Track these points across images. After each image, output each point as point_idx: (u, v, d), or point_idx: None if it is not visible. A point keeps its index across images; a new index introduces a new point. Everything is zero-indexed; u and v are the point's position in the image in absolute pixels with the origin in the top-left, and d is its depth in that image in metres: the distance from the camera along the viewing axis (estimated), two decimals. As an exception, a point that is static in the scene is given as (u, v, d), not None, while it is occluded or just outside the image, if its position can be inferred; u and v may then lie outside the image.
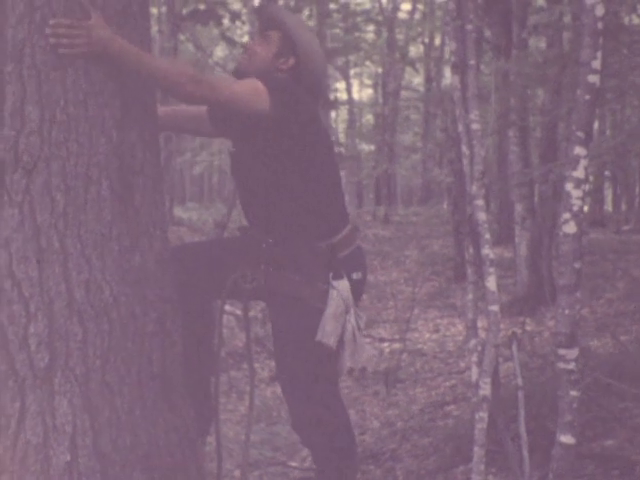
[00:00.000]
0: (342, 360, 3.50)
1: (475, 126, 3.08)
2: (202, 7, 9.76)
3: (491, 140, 17.73)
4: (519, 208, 11.88)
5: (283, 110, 3.37)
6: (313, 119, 3.52)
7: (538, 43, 17.05)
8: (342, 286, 3.43)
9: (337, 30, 22.27)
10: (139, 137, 3.24)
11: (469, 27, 3.09)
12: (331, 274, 3.43)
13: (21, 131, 3.03)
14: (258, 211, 3.57)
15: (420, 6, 27.88)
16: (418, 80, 33.39)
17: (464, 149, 3.14)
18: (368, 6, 27.04)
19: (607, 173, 21.14)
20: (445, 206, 26.90)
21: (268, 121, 3.36)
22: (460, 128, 3.15)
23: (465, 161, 3.08)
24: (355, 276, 3.52)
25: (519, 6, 11.70)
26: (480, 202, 3.11)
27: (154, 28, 25.06)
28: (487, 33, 14.88)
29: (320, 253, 3.45)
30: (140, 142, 3.25)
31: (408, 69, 29.31)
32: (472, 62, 3.09)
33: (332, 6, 19.77)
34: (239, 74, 3.62)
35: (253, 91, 3.34)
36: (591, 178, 18.47)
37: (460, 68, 3.23)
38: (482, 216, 3.09)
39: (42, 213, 3.03)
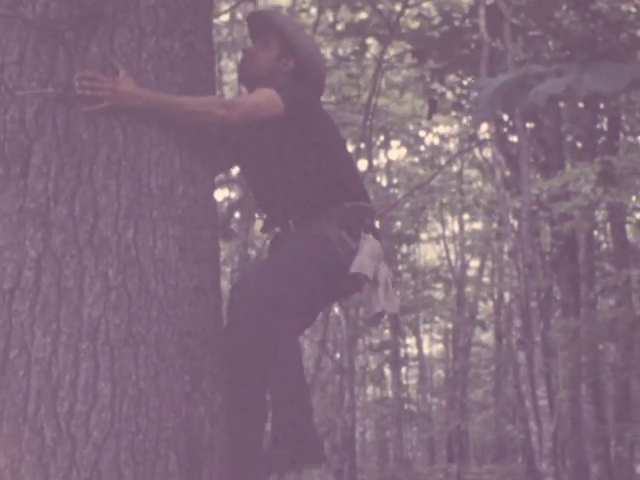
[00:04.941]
0: (374, 301, 3.56)
1: (542, 402, 3.08)
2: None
3: (564, 394, 17.47)
4: (594, 469, 11.57)
5: (296, 106, 3.61)
6: (319, 108, 3.83)
7: (607, 300, 17.06)
8: (373, 239, 3.59)
9: (408, 291, 22.56)
10: (207, 411, 3.28)
11: (533, 304, 3.14)
12: (363, 231, 3.59)
13: (93, 407, 3.07)
14: (276, 196, 3.72)
15: (489, 263, 28.21)
16: (488, 335, 33.37)
17: (532, 425, 3.12)
18: (437, 263, 27.41)
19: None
20: (520, 462, 26.21)
21: (284, 119, 3.58)
22: (527, 404, 3.15)
23: (534, 438, 3.06)
24: None
25: (586, 268, 11.82)
26: (550, 480, 3.06)
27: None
28: (555, 288, 14.97)
29: (349, 210, 3.62)
30: (208, 416, 3.28)
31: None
32: (538, 339, 3.12)
33: (401, 267, 20.12)
34: (244, 79, 3.92)
35: (268, 99, 3.57)
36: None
37: (526, 344, 3.25)
38: (553, 495, 3.03)
39: (110, 488, 3.03)
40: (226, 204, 15.37)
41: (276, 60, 3.84)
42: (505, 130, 12.42)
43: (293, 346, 3.45)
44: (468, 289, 27.04)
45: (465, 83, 11.66)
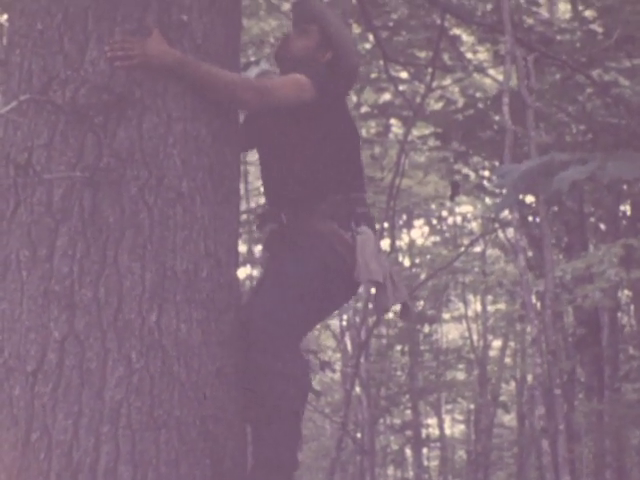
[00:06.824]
0: (386, 297, 3.59)
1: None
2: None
3: (589, 480, 17.24)
4: None
5: (326, 95, 3.68)
6: (344, 102, 3.92)
7: (632, 383, 16.90)
8: (367, 232, 3.62)
9: (427, 372, 22.45)
10: None
11: (557, 392, 3.12)
12: (353, 222, 3.62)
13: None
14: (281, 176, 3.74)
15: (512, 343, 28.05)
16: (511, 417, 33.05)
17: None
18: (459, 343, 27.26)
19: None
20: None
21: (312, 105, 3.65)
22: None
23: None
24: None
25: (610, 351, 11.75)
26: None
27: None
28: (578, 370, 14.85)
29: (339, 203, 3.64)
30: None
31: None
32: (561, 427, 3.10)
33: (423, 347, 20.04)
34: (279, 61, 3.96)
35: (300, 86, 3.63)
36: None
37: (550, 432, 3.23)
38: None
39: None
40: (248, 283, 15.38)
41: (314, 49, 3.90)
42: (529, 213, 12.44)
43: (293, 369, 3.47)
44: (490, 367, 26.82)
45: (488, 164, 11.71)
